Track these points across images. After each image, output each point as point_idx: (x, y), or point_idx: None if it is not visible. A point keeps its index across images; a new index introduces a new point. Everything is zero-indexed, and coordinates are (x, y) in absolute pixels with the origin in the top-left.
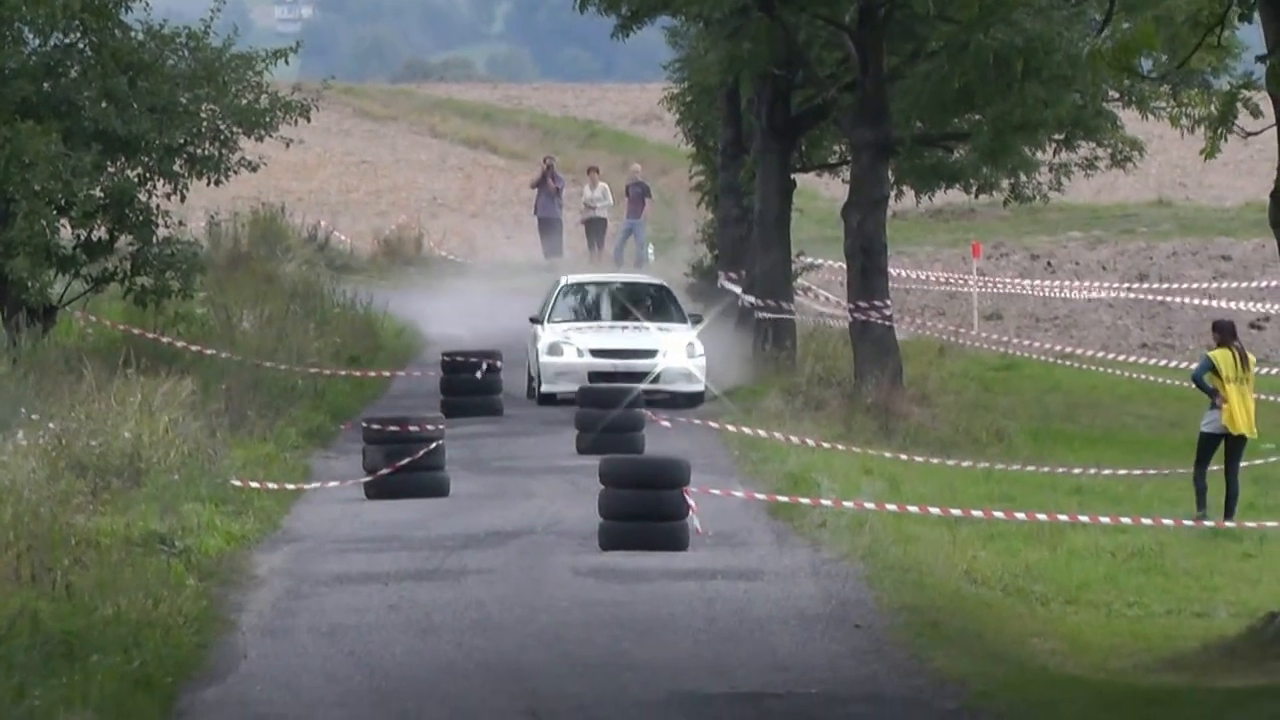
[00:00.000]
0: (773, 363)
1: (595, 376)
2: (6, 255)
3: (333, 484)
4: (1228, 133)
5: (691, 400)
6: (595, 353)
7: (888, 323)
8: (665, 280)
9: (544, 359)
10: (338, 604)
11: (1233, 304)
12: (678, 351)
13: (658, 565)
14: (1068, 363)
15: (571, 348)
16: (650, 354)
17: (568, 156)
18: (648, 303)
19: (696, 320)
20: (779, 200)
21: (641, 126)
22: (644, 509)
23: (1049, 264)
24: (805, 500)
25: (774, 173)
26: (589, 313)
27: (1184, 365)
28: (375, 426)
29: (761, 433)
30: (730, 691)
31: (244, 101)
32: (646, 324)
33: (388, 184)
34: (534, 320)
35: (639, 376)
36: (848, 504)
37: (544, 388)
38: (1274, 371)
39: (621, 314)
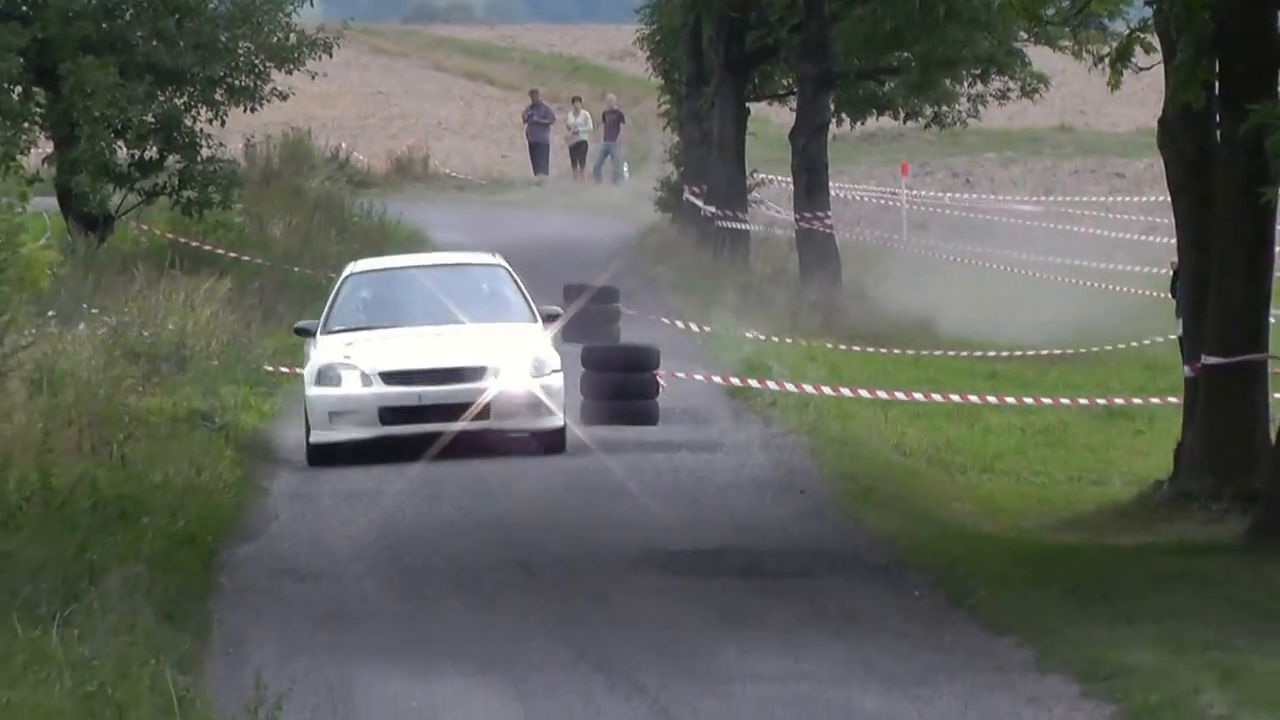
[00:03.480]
0: (729, 265)
1: (391, 415)
2: (71, 172)
3: None
4: (1124, 68)
5: (544, 440)
6: (390, 377)
7: (829, 231)
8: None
9: (312, 393)
10: (355, 474)
11: (1125, 215)
12: (517, 367)
13: (631, 438)
14: (985, 264)
15: (353, 372)
16: (474, 374)
17: (554, 88)
18: (476, 294)
19: (550, 318)
20: (735, 126)
21: (618, 62)
22: (620, 390)
23: (968, 180)
24: (757, 383)
25: (730, 102)
26: (387, 314)
27: (1084, 263)
28: None
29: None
30: (694, 548)
31: (275, 39)
32: (470, 327)
33: (398, 111)
34: (302, 331)
35: (457, 411)
36: (794, 387)
37: (315, 437)
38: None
39: (434, 313)
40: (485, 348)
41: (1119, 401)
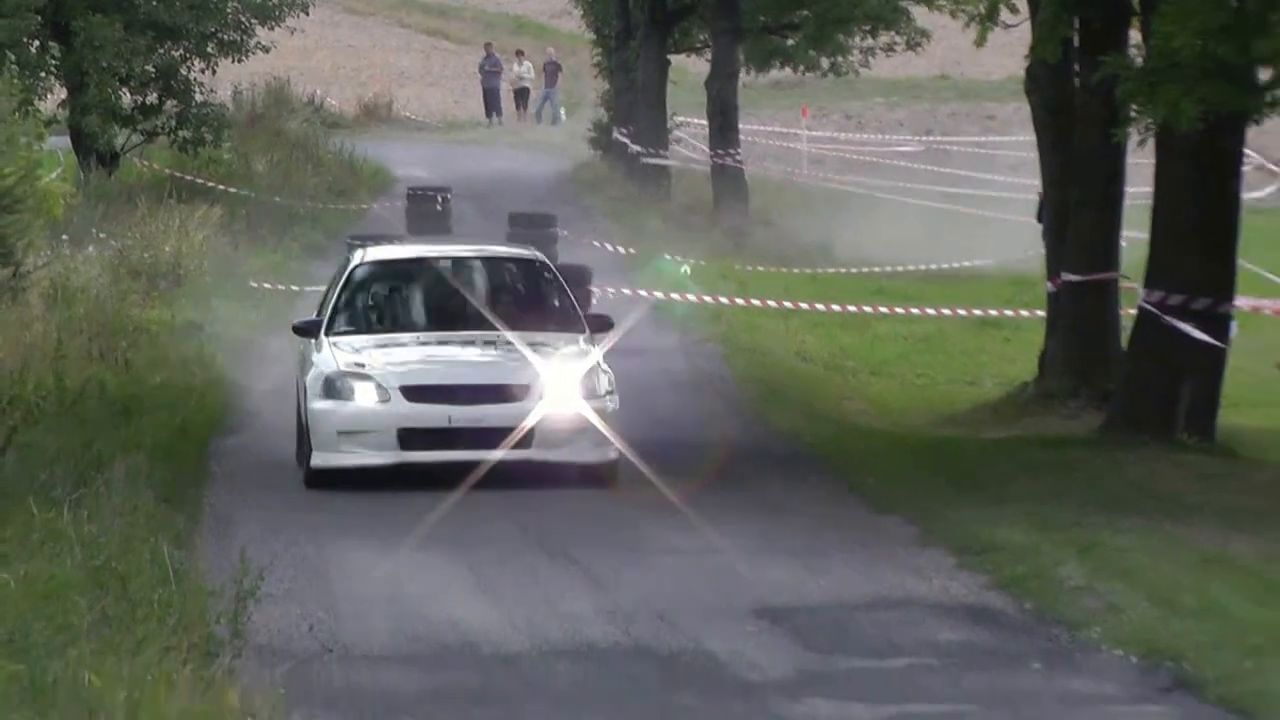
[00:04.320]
0: (653, 200)
1: (414, 438)
2: (82, 115)
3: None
4: (993, 25)
5: (594, 474)
6: (414, 393)
7: (739, 166)
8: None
9: (317, 406)
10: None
11: (996, 152)
12: (567, 386)
13: None
14: (874, 195)
15: (368, 384)
16: (516, 392)
17: (501, 42)
18: (512, 294)
19: (601, 326)
20: (658, 75)
21: (557, 20)
22: None
23: (859, 122)
24: (678, 297)
25: (654, 54)
26: (405, 315)
27: (959, 192)
28: (357, 240)
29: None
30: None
31: (259, 0)
32: (509, 335)
33: (366, 63)
34: (302, 330)
35: (494, 437)
36: (710, 300)
37: (318, 459)
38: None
39: (464, 317)
40: (528, 361)
41: (990, 313)
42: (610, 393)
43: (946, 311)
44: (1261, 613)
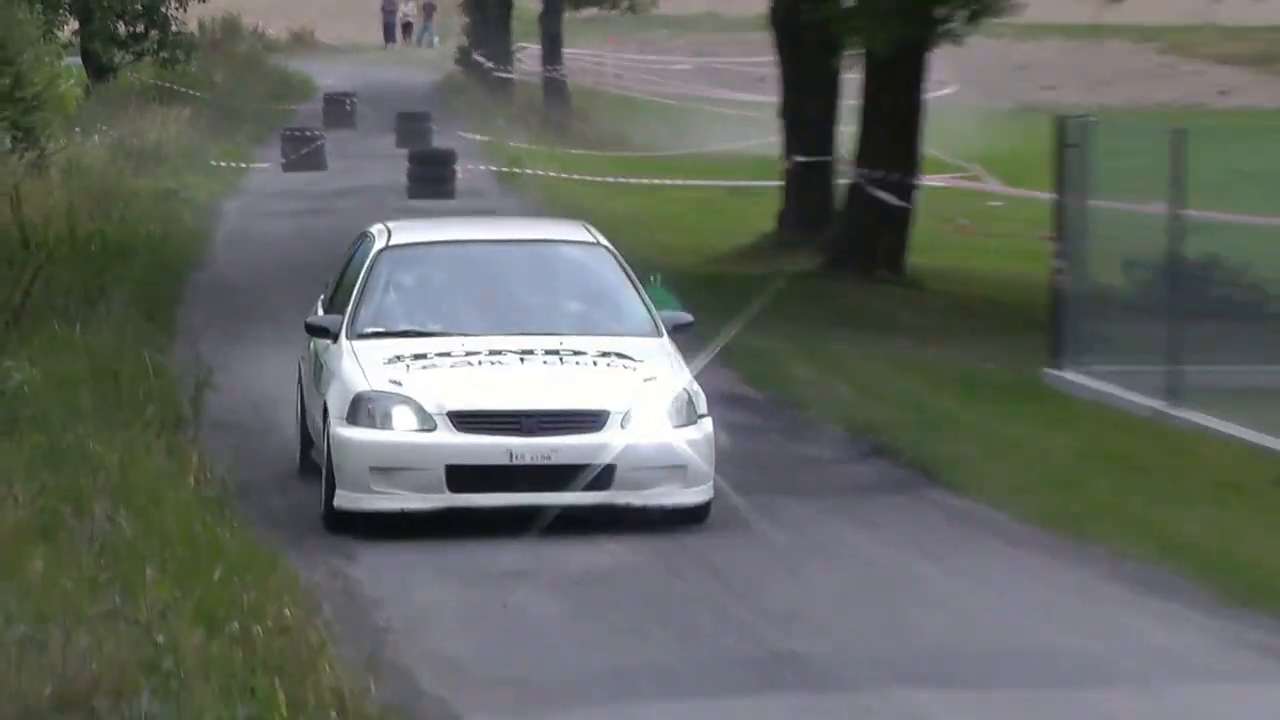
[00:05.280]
0: (500, 102)
1: (466, 477)
2: (89, 40)
3: (267, 164)
4: None
5: (679, 515)
6: (465, 420)
7: (563, 79)
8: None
9: (343, 434)
10: (270, 227)
11: (749, 69)
12: (654, 410)
13: (438, 205)
14: (661, 99)
15: (406, 407)
16: (592, 420)
17: None
18: (573, 288)
19: (679, 327)
20: (505, 12)
21: None
22: (433, 177)
23: (651, 48)
24: (518, 170)
25: None
26: (439, 316)
27: (726, 97)
28: (289, 131)
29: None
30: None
31: None
32: (576, 342)
33: (296, 2)
34: (317, 330)
35: (565, 477)
36: (540, 173)
37: (343, 500)
38: None
39: (516, 317)
40: (606, 379)
41: (743, 184)
42: (704, 416)
43: (713, 183)
44: (940, 401)
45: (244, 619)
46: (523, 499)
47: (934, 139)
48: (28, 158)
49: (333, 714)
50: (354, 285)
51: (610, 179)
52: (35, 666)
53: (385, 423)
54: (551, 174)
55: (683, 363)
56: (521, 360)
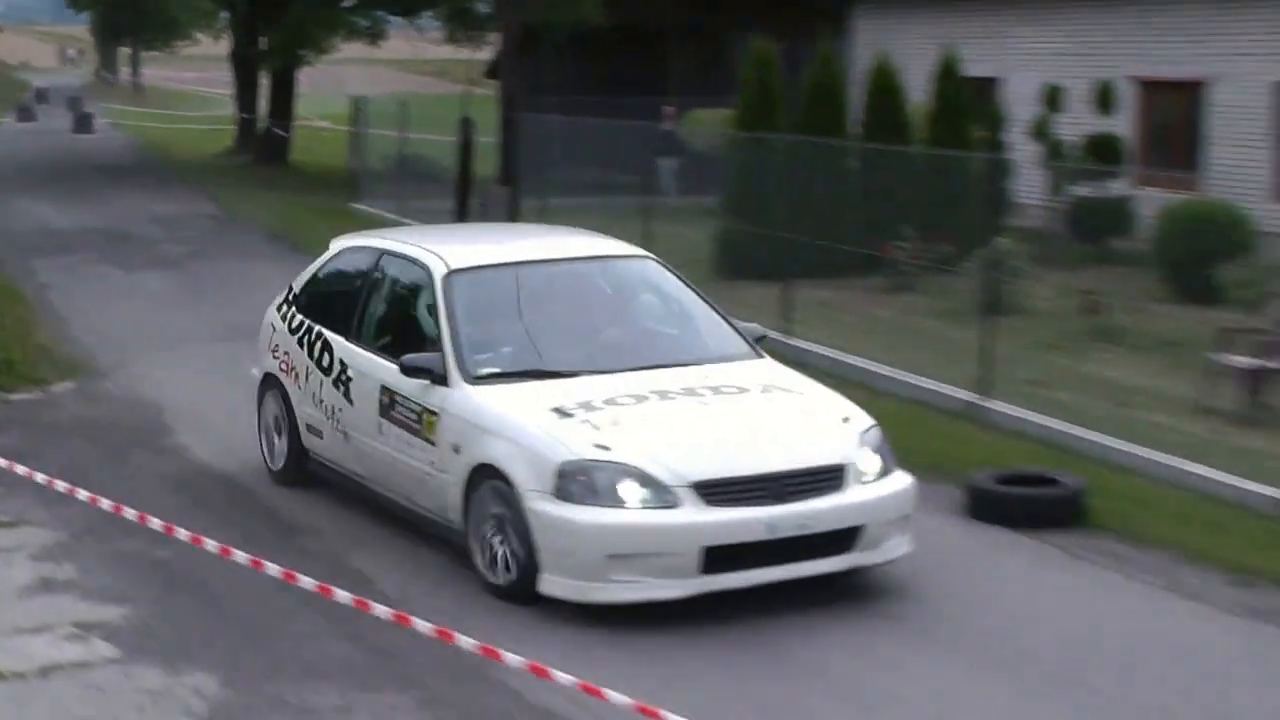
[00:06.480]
0: (117, 91)
1: (723, 558)
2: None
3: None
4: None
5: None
6: (714, 492)
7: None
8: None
9: (556, 514)
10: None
11: (217, 91)
12: (865, 455)
13: (84, 138)
14: (201, 91)
15: (632, 479)
16: (830, 478)
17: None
18: (655, 310)
19: (760, 338)
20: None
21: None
22: (84, 124)
23: (185, 65)
24: (120, 121)
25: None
26: (562, 350)
27: (218, 93)
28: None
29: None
30: (109, 164)
31: None
32: (706, 371)
33: None
34: (416, 370)
35: (817, 546)
36: (129, 124)
37: (570, 588)
38: None
39: (618, 347)
40: (819, 422)
41: (218, 127)
42: (879, 439)
43: (205, 127)
44: (299, 215)
45: None
46: (779, 574)
47: (314, 107)
48: None
49: None
50: (411, 314)
51: (159, 125)
52: None
53: (611, 498)
54: (130, 121)
55: (809, 378)
56: (703, 403)
